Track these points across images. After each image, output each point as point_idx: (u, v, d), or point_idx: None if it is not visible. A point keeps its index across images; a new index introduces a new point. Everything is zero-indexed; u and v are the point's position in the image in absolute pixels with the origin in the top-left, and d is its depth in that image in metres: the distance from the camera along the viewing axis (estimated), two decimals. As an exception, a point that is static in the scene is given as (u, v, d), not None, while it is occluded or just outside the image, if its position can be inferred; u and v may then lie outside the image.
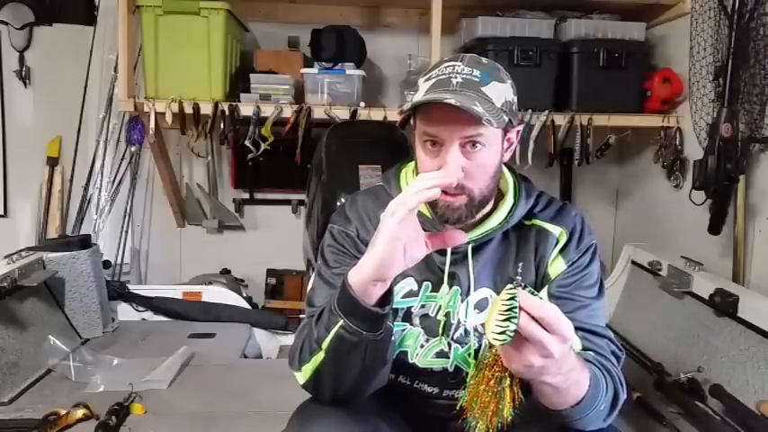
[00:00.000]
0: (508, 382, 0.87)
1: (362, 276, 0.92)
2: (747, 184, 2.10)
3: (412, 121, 1.08)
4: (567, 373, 0.86)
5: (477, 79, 0.99)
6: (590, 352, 1.01)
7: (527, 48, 2.42)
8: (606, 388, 0.95)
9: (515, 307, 0.79)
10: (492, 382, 0.88)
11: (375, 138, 1.82)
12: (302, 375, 1.02)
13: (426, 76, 1.04)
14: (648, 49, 2.62)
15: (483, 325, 1.08)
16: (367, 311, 0.92)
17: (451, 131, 0.98)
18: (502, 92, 1.01)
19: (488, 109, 0.96)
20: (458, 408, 0.96)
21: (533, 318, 0.79)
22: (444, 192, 1.00)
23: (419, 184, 0.90)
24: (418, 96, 1.01)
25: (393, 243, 0.89)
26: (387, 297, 0.95)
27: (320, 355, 0.97)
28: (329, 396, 1.01)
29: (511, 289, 0.80)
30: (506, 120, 1.01)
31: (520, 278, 0.82)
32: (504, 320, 0.78)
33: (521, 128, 1.15)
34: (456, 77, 0.99)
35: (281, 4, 2.78)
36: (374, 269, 0.90)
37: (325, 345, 0.96)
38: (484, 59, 1.04)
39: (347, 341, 0.94)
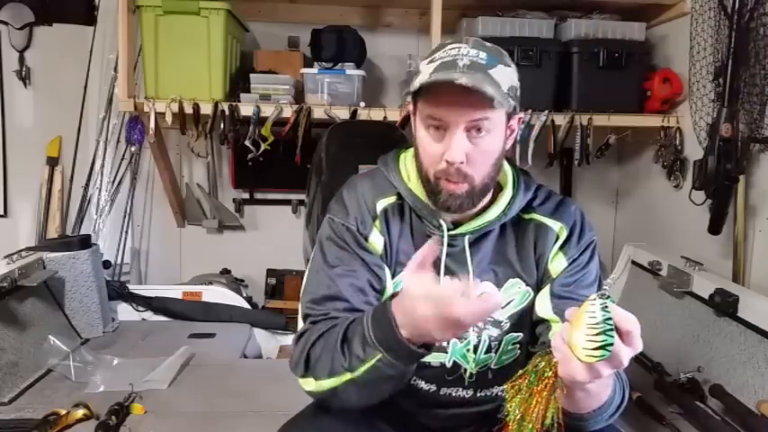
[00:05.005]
0: (561, 390, 0.83)
1: (419, 336, 0.87)
2: (747, 184, 2.09)
3: (411, 107, 1.05)
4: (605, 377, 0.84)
5: (483, 62, 0.96)
6: None
7: (527, 48, 2.42)
8: (619, 389, 0.94)
9: (609, 319, 0.74)
10: (545, 392, 0.83)
11: (375, 138, 1.81)
12: (315, 385, 0.98)
13: (429, 59, 1.00)
14: (648, 49, 2.61)
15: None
16: (413, 353, 0.88)
17: (458, 114, 0.95)
18: (507, 76, 0.98)
19: (497, 92, 0.93)
20: (506, 420, 0.90)
21: (618, 331, 0.75)
22: (447, 179, 0.99)
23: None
24: (423, 78, 0.96)
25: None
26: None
27: (347, 377, 0.93)
28: (340, 406, 0.99)
29: (595, 300, 0.75)
30: (513, 104, 0.99)
31: (607, 288, 0.78)
32: (597, 334, 0.74)
33: (522, 115, 1.12)
34: (462, 59, 0.95)
35: (281, 4, 2.78)
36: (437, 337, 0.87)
37: (357, 373, 0.92)
38: (487, 43, 1.01)
39: (384, 373, 0.90)
